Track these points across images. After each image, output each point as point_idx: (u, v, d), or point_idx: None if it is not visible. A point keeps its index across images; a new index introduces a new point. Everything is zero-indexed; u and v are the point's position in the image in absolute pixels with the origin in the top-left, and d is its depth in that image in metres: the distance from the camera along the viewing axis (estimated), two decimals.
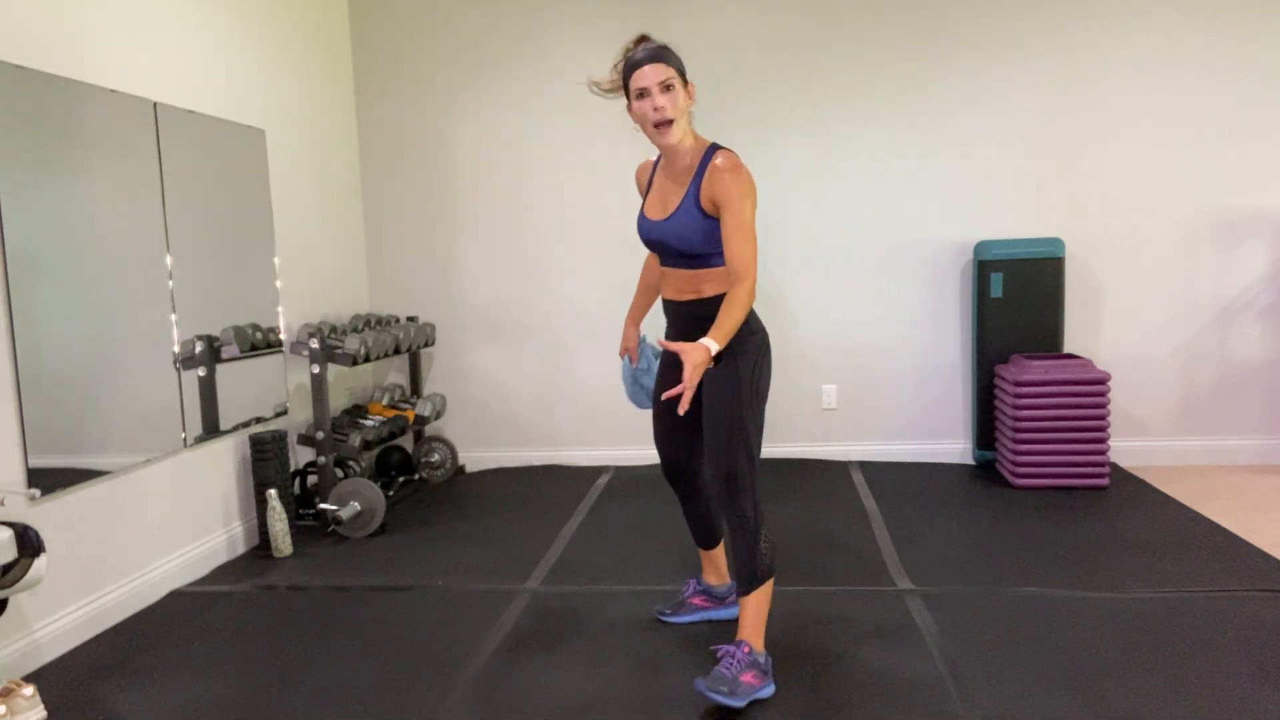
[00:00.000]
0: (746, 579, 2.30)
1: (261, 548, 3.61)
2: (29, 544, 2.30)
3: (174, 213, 3.21)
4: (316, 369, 3.72)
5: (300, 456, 4.03)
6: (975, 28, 4.38)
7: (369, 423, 4.01)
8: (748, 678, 2.23)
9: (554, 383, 4.78)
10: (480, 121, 4.67)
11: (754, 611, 2.31)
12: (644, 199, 2.47)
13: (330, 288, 4.39)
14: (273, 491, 3.48)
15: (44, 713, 2.31)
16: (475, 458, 4.86)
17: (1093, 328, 4.47)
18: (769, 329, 4.62)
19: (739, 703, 2.18)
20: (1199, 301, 4.40)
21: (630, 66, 2.27)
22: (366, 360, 3.81)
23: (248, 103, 3.73)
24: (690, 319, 2.40)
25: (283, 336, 3.90)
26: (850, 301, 4.58)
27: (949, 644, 2.55)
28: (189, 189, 3.30)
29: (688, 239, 2.30)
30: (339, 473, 3.93)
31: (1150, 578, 2.97)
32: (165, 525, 3.18)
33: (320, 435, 3.72)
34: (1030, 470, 4.02)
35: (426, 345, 4.54)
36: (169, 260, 3.18)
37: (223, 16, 3.57)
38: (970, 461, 4.58)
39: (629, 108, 2.32)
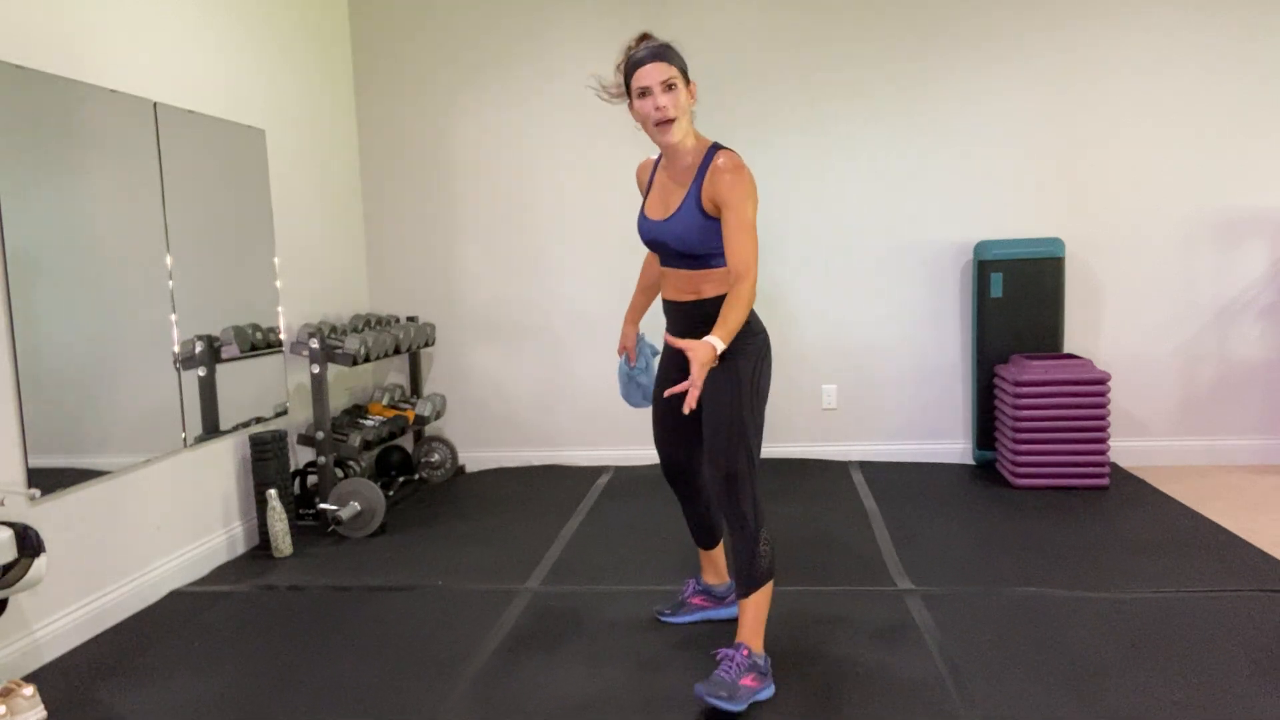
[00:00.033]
0: (746, 580, 2.30)
1: (261, 548, 3.61)
2: (29, 544, 2.30)
3: (174, 213, 3.21)
4: (316, 369, 3.72)
5: (300, 456, 4.03)
6: (975, 28, 4.38)
7: (369, 423, 4.01)
8: (747, 681, 2.23)
9: (554, 383, 4.78)
10: (480, 121, 4.67)
11: (753, 613, 2.31)
12: (644, 198, 2.47)
13: (330, 288, 4.39)
14: (273, 491, 3.48)
15: (44, 713, 2.31)
16: (475, 458, 4.86)
17: (1093, 328, 4.47)
18: (769, 329, 4.62)
19: (738, 707, 2.18)
20: (1199, 301, 4.40)
21: (632, 65, 2.26)
22: (366, 360, 3.81)
23: (248, 103, 3.73)
24: (690, 319, 2.39)
25: (283, 336, 3.90)
26: (850, 301, 4.58)
27: (949, 644, 2.55)
28: (189, 189, 3.30)
29: (688, 239, 2.30)
30: (339, 473, 3.93)
31: (1150, 578, 2.97)
32: (165, 525, 3.18)
33: (320, 435, 3.72)
34: (1030, 470, 4.03)
35: (426, 345, 4.54)
36: (169, 260, 3.18)
37: (223, 16, 3.57)
38: (970, 461, 4.58)
39: (630, 106, 2.31)
